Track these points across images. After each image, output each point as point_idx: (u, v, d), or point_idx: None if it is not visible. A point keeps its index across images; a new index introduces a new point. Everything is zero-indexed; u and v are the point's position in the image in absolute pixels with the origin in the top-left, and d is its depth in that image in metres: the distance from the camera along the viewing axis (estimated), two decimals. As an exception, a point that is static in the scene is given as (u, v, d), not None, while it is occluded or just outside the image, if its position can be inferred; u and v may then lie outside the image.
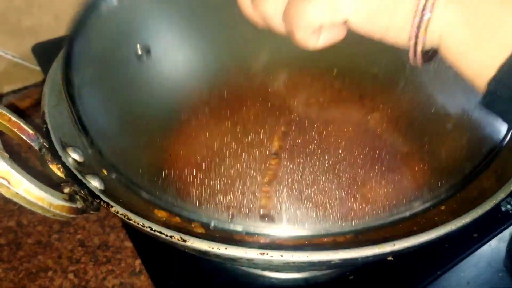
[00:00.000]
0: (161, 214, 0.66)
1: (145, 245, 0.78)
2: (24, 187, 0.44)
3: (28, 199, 0.44)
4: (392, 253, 0.46)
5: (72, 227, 0.87)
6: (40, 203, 0.45)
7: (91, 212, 0.53)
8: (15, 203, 0.89)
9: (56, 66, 0.70)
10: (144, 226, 0.48)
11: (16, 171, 0.44)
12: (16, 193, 0.43)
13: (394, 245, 0.46)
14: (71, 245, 0.84)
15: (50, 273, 0.80)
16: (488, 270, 0.77)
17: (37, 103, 1.13)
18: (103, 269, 0.81)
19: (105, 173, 0.66)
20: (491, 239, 0.77)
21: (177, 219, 0.67)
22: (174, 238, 0.47)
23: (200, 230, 0.66)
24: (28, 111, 1.10)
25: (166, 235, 0.48)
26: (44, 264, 0.82)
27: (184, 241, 0.47)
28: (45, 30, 1.10)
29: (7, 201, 0.92)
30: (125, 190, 0.66)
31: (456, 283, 0.75)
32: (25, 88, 1.17)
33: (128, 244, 0.84)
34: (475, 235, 0.75)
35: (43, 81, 1.16)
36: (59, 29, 1.12)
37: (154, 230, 0.48)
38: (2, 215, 0.89)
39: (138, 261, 0.82)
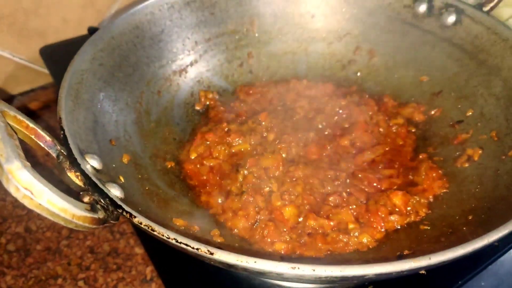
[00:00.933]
0: (179, 222, 0.64)
1: (158, 251, 0.77)
2: (47, 198, 0.42)
3: (51, 210, 0.42)
4: (427, 267, 0.45)
5: (82, 233, 0.85)
6: (63, 214, 0.43)
7: (111, 222, 0.52)
8: (23, 208, 0.87)
9: (71, 70, 0.68)
10: (169, 238, 0.46)
11: (39, 181, 0.42)
12: (39, 204, 0.42)
13: (430, 259, 0.45)
14: (81, 251, 0.82)
15: (59, 281, 0.78)
16: (509, 279, 0.75)
17: (45, 106, 1.11)
18: (114, 277, 0.79)
19: (122, 180, 0.65)
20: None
21: (196, 227, 0.65)
22: (201, 251, 0.46)
23: (219, 239, 0.65)
24: (36, 115, 1.08)
25: (193, 248, 0.46)
26: (54, 271, 0.80)
27: (212, 254, 0.45)
28: (52, 32, 1.09)
29: (15, 206, 0.91)
30: (143, 197, 0.65)
31: (477, 292, 0.74)
32: (32, 90, 1.15)
33: (139, 250, 0.83)
34: (496, 243, 0.74)
35: (51, 84, 1.15)
36: (67, 31, 1.10)
37: (180, 242, 0.46)
38: (10, 220, 0.87)
39: (149, 268, 0.80)
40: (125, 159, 0.70)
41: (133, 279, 0.79)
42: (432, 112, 0.85)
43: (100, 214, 0.49)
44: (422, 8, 0.89)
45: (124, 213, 0.49)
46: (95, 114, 0.70)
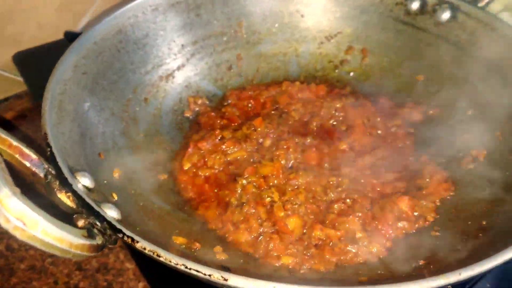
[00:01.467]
0: (179, 240, 0.60)
1: (150, 265, 0.72)
2: (41, 228, 0.37)
3: (46, 241, 0.38)
4: (457, 283, 0.42)
5: (68, 251, 0.79)
6: (59, 244, 0.38)
7: (109, 246, 0.47)
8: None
9: (53, 80, 0.63)
10: (177, 264, 0.42)
11: (31, 209, 0.37)
12: (33, 235, 0.37)
13: (460, 274, 0.42)
14: (67, 269, 0.77)
15: (47, 302, 0.73)
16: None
17: (20, 116, 1.04)
18: (105, 294, 0.74)
19: (116, 197, 0.60)
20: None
21: (197, 244, 0.61)
22: (214, 277, 0.41)
23: (223, 256, 0.61)
24: (12, 125, 1.01)
25: (204, 274, 0.42)
26: (40, 291, 0.74)
27: (226, 280, 0.41)
28: (28, 38, 1.02)
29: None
30: (139, 215, 0.61)
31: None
32: (6, 99, 1.08)
33: (130, 265, 0.78)
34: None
35: (25, 92, 1.08)
36: (43, 36, 1.04)
37: (190, 269, 0.42)
38: (-11, 239, 0.81)
39: (141, 284, 0.76)
40: (116, 174, 0.66)
41: (125, 297, 0.74)
42: (431, 112, 0.83)
43: (98, 240, 0.44)
44: (415, 5, 0.87)
45: (126, 238, 0.45)
46: (81, 126, 0.65)
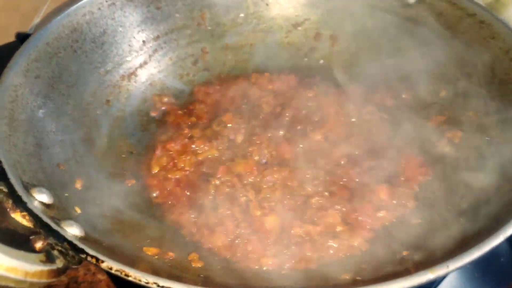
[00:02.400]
0: (151, 251, 0.56)
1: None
2: (-12, 259, 0.33)
3: (-5, 273, 0.33)
4: (445, 275, 0.40)
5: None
6: (12, 275, 0.34)
7: (73, 267, 0.43)
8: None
9: (2, 87, 0.58)
10: (148, 283, 0.39)
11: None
12: (-21, 269, 0.32)
13: (448, 266, 0.40)
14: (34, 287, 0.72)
15: (16, 327, 0.68)
16: (492, 257, 0.74)
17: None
18: (78, 311, 0.70)
19: (79, 211, 0.56)
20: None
21: (171, 254, 0.58)
22: (190, 294, 0.38)
23: (199, 264, 0.58)
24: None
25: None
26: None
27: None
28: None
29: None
30: (105, 227, 0.57)
31: (465, 277, 0.71)
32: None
33: (102, 276, 0.73)
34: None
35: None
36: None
37: (162, 287, 0.39)
38: None
39: (116, 296, 0.71)
40: (79, 185, 0.61)
41: (99, 315, 0.70)
42: (403, 96, 0.82)
43: (59, 263, 0.40)
44: (381, -13, 0.84)
45: (89, 258, 0.41)
46: (36, 136, 0.61)
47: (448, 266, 0.40)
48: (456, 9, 0.77)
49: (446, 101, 0.75)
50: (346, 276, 0.55)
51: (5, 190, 0.47)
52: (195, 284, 0.41)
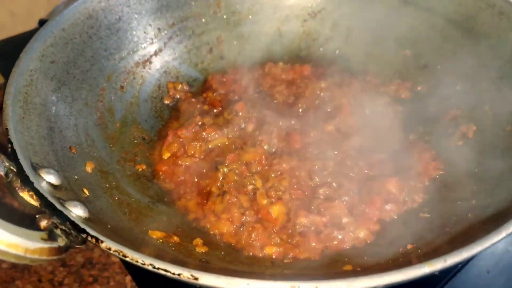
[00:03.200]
0: (156, 235, 0.57)
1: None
2: (-11, 234, 0.34)
3: (-4, 248, 0.35)
4: (442, 269, 0.40)
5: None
6: (13, 250, 0.36)
7: (76, 246, 0.44)
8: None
9: (18, 72, 0.60)
10: (144, 264, 0.39)
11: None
12: (-20, 243, 0.34)
13: (445, 261, 0.39)
14: (52, 266, 0.75)
15: (31, 300, 0.71)
16: (506, 256, 0.72)
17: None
18: (91, 290, 0.72)
19: (87, 193, 0.57)
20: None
21: (176, 238, 0.59)
22: (183, 277, 0.39)
23: (203, 249, 0.58)
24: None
25: (173, 274, 0.39)
26: (24, 290, 0.72)
27: (196, 279, 0.39)
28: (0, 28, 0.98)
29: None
30: (113, 210, 0.58)
31: (477, 273, 0.70)
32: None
33: (115, 259, 0.76)
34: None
35: (4, 84, 1.04)
36: (15, 25, 1.00)
37: (158, 268, 0.39)
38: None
39: (128, 278, 0.73)
40: (89, 168, 0.63)
41: (112, 291, 0.72)
42: (419, 88, 0.80)
43: (61, 241, 0.42)
44: (401, -23, 0.83)
45: (90, 238, 0.42)
46: (50, 119, 0.62)
47: (445, 260, 0.40)
48: (476, 0, 0.75)
49: (462, 94, 0.74)
50: (349, 268, 0.55)
51: (14, 169, 0.48)
52: (195, 268, 0.42)
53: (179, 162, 0.72)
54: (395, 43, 0.84)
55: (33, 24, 0.97)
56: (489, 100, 0.69)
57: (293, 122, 0.76)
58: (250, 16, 0.91)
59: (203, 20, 0.89)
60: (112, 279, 0.73)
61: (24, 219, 0.43)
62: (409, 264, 0.44)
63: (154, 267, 0.40)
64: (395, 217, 0.64)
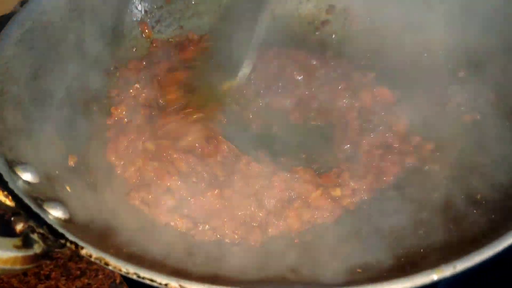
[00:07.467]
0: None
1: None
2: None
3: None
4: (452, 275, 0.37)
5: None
6: (-19, 261, 0.32)
7: (56, 251, 0.41)
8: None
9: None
10: (128, 273, 0.36)
11: None
12: None
13: (455, 268, 0.37)
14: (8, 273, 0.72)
15: (16, 295, 0.68)
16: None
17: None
18: (78, 284, 0.69)
19: (69, 189, 0.54)
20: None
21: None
22: (171, 286, 0.36)
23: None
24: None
25: (160, 283, 0.36)
26: (9, 284, 0.69)
27: (184, 288, 0.36)
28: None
29: None
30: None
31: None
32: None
33: (104, 252, 0.73)
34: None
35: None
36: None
37: (143, 278, 0.36)
38: None
39: (117, 271, 0.71)
40: (71, 161, 0.59)
41: (101, 284, 0.70)
42: (419, 76, 0.77)
43: (37, 248, 0.38)
44: (400, -44, 0.79)
45: (69, 244, 0.39)
46: (28, 110, 0.58)
47: (455, 266, 0.37)
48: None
49: (465, 82, 0.71)
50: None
51: (-12, 168, 0.44)
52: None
53: None
54: (395, 28, 0.80)
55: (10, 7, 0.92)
56: (493, 88, 0.66)
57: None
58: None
59: (193, 2, 0.85)
60: (101, 272, 0.70)
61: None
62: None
63: (139, 276, 0.37)
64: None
